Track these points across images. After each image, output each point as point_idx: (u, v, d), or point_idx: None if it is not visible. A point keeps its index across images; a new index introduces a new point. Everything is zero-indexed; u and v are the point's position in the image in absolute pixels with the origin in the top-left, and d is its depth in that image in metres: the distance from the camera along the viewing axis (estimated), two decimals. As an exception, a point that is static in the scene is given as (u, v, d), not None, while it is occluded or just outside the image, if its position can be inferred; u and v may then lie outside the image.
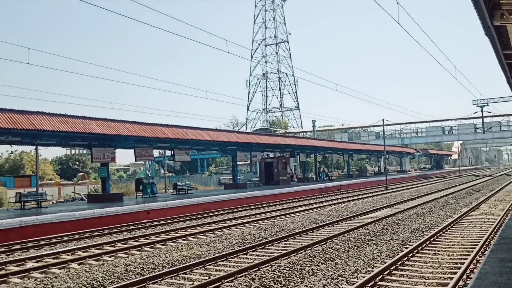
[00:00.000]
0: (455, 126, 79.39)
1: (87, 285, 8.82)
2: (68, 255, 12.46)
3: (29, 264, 11.30)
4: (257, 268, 9.67)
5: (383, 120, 42.84)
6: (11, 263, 11.46)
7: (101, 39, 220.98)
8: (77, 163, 74.50)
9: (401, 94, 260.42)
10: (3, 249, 13.73)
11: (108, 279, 9.28)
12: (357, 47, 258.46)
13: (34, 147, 28.15)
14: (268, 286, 8.27)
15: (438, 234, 13.33)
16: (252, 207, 25.37)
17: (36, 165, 34.81)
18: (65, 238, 15.53)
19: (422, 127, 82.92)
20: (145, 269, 10.13)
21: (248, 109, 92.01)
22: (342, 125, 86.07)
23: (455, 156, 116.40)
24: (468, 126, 75.77)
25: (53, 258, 12.05)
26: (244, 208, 24.64)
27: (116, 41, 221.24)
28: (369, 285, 8.07)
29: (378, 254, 10.98)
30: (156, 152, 45.04)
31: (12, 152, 63.36)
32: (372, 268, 9.59)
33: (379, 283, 8.38)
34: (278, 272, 9.13)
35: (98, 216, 18.74)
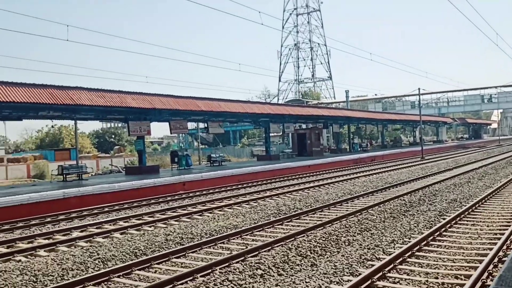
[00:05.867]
0: (495, 94, 76.79)
1: (130, 254, 9.19)
2: (110, 225, 12.95)
3: (75, 234, 11.82)
4: (293, 238, 9.81)
5: (419, 89, 41.80)
6: (57, 232, 12.03)
7: (135, 13, 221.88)
8: (113, 136, 76.24)
9: (439, 62, 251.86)
10: (48, 219, 14.40)
11: (150, 247, 9.64)
12: (393, 14, 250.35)
13: (73, 121, 28.93)
14: (305, 256, 8.40)
15: (477, 205, 13.11)
16: (285, 178, 25.52)
17: (75, 139, 35.90)
18: (106, 209, 16.09)
19: (460, 95, 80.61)
20: (184, 239, 10.44)
21: (279, 80, 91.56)
22: (376, 95, 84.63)
23: (494, 125, 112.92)
24: (508, 94, 73.15)
25: (97, 228, 12.56)
26: (278, 179, 24.81)
27: (150, 15, 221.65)
28: (406, 255, 8.08)
29: (415, 225, 10.93)
30: (189, 125, 45.55)
31: (52, 126, 65.41)
32: (409, 238, 9.57)
33: (417, 253, 8.37)
34: (314, 242, 9.24)
35: (136, 187, 19.29)
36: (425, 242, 9.00)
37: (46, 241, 11.04)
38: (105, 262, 8.62)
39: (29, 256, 9.69)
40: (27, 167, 45.15)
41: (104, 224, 13.04)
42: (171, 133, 30.53)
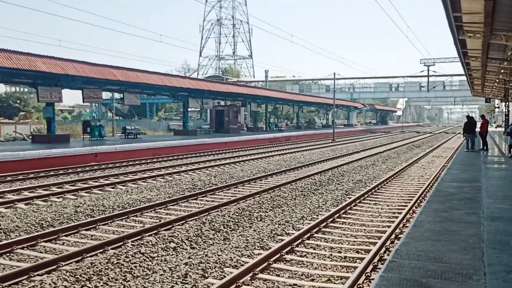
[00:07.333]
0: (402, 84, 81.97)
1: (36, 225, 8.79)
2: (13, 195, 12.20)
3: (-28, 203, 11.00)
4: (207, 213, 9.95)
5: (334, 74, 43.49)
6: (-48, 201, 11.12)
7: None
8: (18, 101, 70.96)
9: (355, 49, 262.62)
10: None
11: (57, 219, 9.27)
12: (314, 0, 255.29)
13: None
14: (218, 230, 8.58)
15: (380, 186, 14.10)
16: (202, 154, 25.54)
17: (-26, 102, 32.93)
18: (9, 178, 15.11)
19: (370, 82, 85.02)
20: (95, 211, 10.18)
21: (200, 55, 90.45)
22: (294, 76, 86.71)
23: (399, 113, 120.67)
24: (413, 84, 78.48)
25: (-2, 198, 11.79)
26: (194, 155, 24.77)
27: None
28: (314, 231, 8.55)
29: (324, 203, 11.54)
30: (104, 95, 43.69)
31: None
32: (318, 215, 10.11)
33: (323, 229, 8.89)
34: (228, 217, 9.44)
35: (44, 157, 18.26)
36: (331, 219, 9.57)
37: None
38: (8, 233, 8.18)
39: None
40: None
41: (6, 194, 12.24)
42: (83, 102, 29.14)
